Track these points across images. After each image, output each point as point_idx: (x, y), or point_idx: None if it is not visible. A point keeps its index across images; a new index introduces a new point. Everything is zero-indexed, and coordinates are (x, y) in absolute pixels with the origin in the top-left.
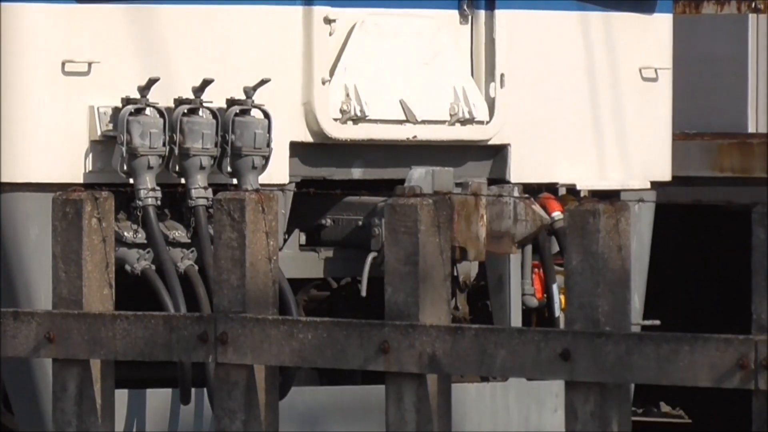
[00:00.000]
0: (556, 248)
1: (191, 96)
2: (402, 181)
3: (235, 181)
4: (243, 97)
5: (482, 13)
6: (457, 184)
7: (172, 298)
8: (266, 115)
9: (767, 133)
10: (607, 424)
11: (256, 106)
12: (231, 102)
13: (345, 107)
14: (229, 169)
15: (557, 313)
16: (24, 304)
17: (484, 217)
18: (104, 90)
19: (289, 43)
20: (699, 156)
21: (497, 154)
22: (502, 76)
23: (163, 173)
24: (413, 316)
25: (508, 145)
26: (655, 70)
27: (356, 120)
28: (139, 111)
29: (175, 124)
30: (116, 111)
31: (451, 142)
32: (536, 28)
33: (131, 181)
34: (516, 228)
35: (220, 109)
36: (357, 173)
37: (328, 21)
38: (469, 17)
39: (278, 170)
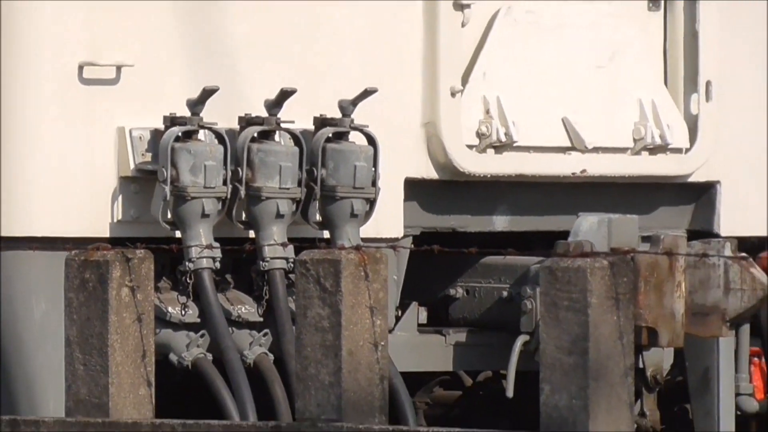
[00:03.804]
0: None
1: (264, 113)
2: (565, 234)
3: (327, 234)
4: (338, 114)
5: None
6: (644, 239)
7: (237, 400)
8: (371, 140)
9: None
10: None
11: (356, 128)
12: (321, 122)
13: (484, 129)
14: (318, 217)
15: None
16: (26, 410)
17: (683, 285)
18: (139, 105)
19: (403, 38)
20: None
21: (701, 195)
22: (708, 84)
23: (223, 223)
24: (581, 424)
25: (717, 182)
26: None
27: (500, 147)
28: (189, 135)
29: (242, 154)
30: (157, 135)
31: (636, 178)
32: (758, 19)
33: (178, 234)
34: (728, 301)
35: (305, 132)
36: (501, 223)
37: (459, 7)
38: (662, 2)
39: (389, 219)
